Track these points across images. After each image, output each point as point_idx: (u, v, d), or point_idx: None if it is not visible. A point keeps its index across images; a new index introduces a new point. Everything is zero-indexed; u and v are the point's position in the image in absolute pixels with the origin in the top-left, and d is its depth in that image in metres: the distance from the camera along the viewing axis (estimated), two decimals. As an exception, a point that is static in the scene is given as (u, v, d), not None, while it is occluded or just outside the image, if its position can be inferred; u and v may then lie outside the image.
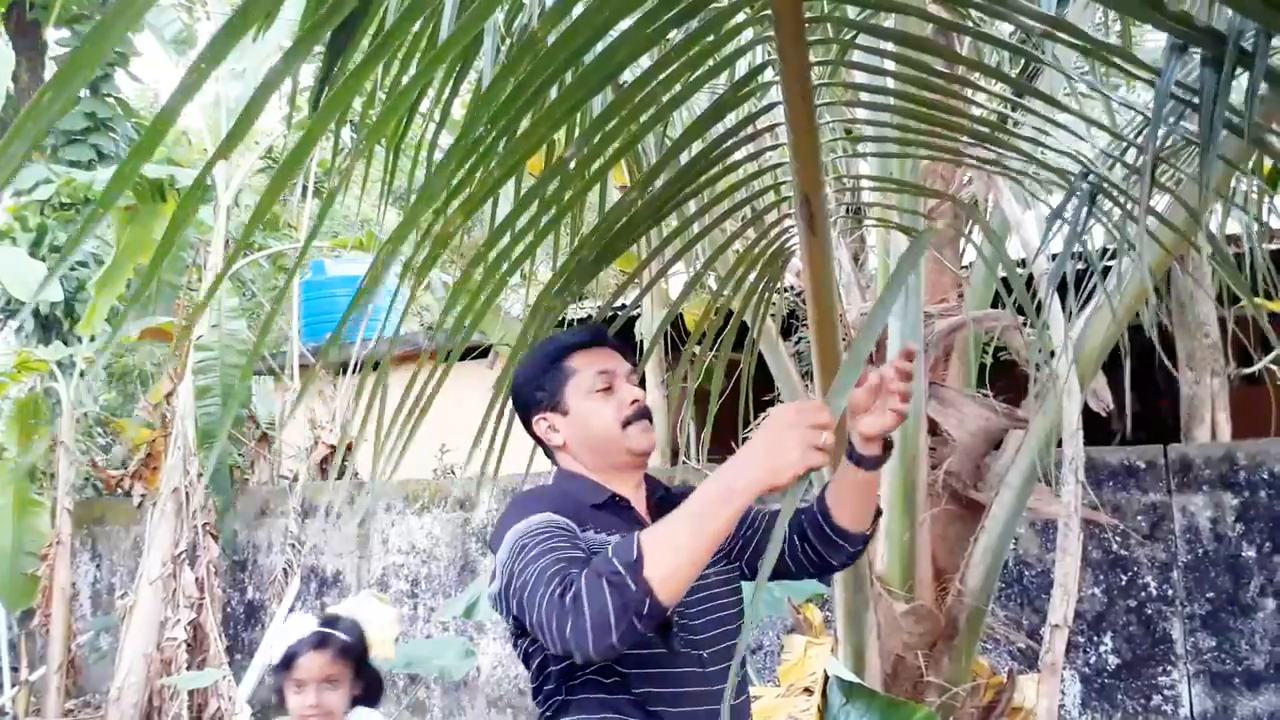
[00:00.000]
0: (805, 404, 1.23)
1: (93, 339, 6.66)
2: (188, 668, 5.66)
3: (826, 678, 2.14)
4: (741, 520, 1.63)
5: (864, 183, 2.27)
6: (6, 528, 6.70)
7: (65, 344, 7.36)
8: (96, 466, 7.49)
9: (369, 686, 2.20)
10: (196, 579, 5.81)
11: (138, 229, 6.48)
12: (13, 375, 6.78)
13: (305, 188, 8.33)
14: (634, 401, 1.57)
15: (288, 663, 2.09)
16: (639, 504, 1.58)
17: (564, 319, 2.20)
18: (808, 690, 2.15)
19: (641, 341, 5.80)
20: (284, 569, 6.16)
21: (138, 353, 8.42)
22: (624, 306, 2.14)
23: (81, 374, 6.65)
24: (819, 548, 1.57)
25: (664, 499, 1.61)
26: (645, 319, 5.74)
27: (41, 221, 8.28)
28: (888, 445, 1.46)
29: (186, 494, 5.90)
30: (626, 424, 1.55)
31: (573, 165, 1.78)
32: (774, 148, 1.87)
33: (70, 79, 0.97)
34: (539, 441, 1.65)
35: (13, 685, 6.80)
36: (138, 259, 6.47)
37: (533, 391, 1.60)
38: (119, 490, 7.01)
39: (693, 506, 1.23)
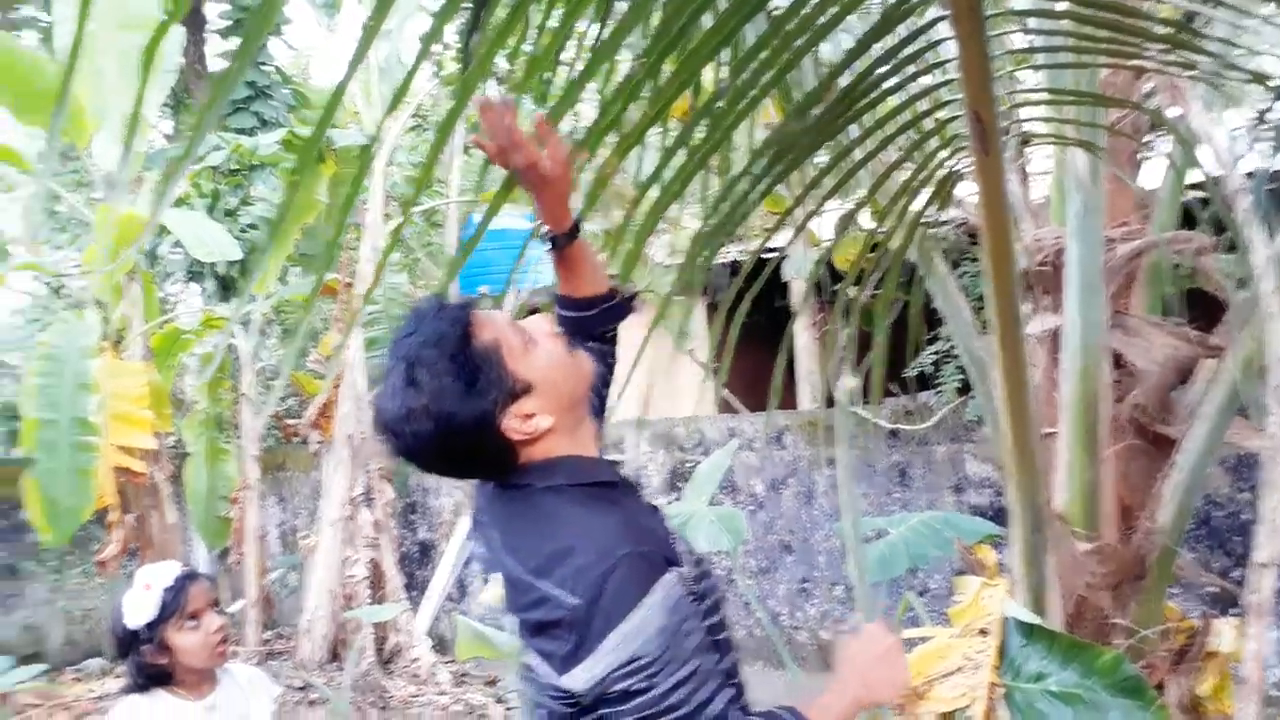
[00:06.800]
0: (886, 644, 1.31)
1: (267, 297, 7.06)
2: (369, 603, 6.02)
3: (1003, 619, 2.07)
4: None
5: (1033, 99, 2.13)
6: (201, 474, 7.26)
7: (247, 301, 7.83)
8: (277, 417, 7.98)
9: None
10: (374, 520, 6.15)
11: (300, 190, 6.78)
12: (198, 332, 7.28)
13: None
14: (551, 330, 1.32)
15: (174, 602, 1.98)
16: None
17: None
18: (983, 632, 2.08)
19: (787, 285, 5.70)
20: (453, 510, 6.44)
21: (306, 309, 8.86)
22: (770, 250, 2.09)
23: (261, 331, 7.08)
24: (596, 327, 1.51)
25: None
26: (789, 262, 5.64)
27: (214, 187, 8.78)
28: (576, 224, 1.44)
29: (360, 441, 6.22)
30: (569, 349, 1.31)
31: (722, 101, 1.74)
32: (938, 65, 1.77)
33: (252, 42, 1.01)
34: (503, 451, 1.24)
35: (215, 618, 7.40)
36: (303, 219, 6.78)
37: (476, 404, 1.19)
38: (296, 439, 7.45)
39: (836, 712, 1.25)
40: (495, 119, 1.33)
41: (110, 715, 2.00)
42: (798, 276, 4.89)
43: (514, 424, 1.21)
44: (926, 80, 1.77)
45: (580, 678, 1.12)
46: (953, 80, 1.73)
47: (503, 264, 7.76)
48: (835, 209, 2.83)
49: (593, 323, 1.51)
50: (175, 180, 1.17)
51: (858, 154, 1.89)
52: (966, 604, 2.30)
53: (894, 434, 4.80)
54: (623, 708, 1.11)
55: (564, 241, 1.44)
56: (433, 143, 1.22)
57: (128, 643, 1.98)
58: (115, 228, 5.80)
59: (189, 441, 7.37)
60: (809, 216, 1.98)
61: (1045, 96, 2.02)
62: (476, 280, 8.49)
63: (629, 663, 1.09)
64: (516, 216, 8.21)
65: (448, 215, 7.84)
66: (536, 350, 1.25)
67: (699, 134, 1.86)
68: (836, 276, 2.65)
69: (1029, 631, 1.95)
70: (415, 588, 6.73)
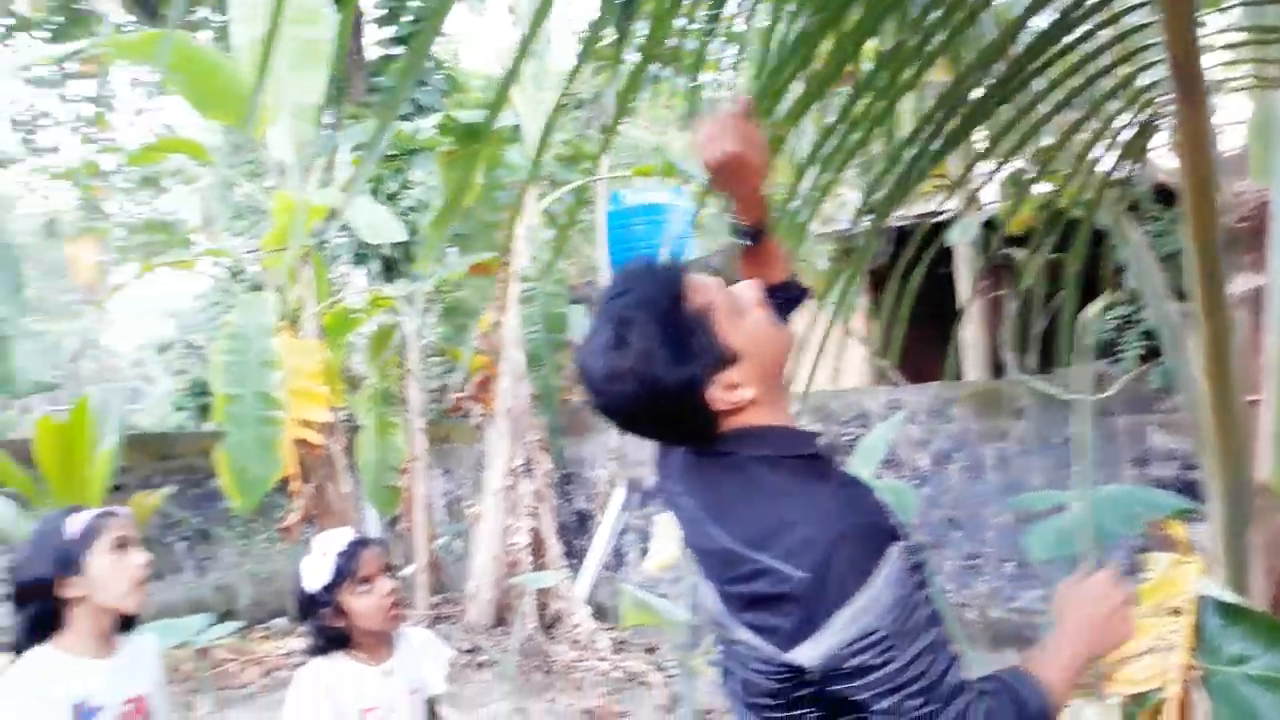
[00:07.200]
0: (1113, 593, 1.29)
1: (430, 276, 7.35)
2: (531, 570, 6.22)
3: (1199, 598, 1.96)
4: None
5: (1221, 42, 1.97)
6: (372, 446, 7.65)
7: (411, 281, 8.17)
8: (442, 391, 8.33)
9: None
10: (534, 490, 6.34)
11: (458, 173, 7.00)
12: (366, 311, 7.64)
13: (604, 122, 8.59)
14: (759, 298, 1.25)
15: (346, 566, 2.04)
16: None
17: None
18: (1176, 611, 1.98)
19: (949, 250, 5.51)
20: (609, 481, 6.56)
21: (465, 288, 9.18)
22: (933, 214, 2.03)
23: (425, 309, 7.38)
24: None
25: None
26: (954, 226, 5.45)
27: (377, 172, 9.16)
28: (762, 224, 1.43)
29: (520, 414, 6.41)
30: (774, 320, 1.25)
31: (886, 68, 1.69)
32: (1126, 12, 1.67)
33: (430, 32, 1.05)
34: (706, 419, 1.20)
35: (387, 582, 7.81)
36: (461, 201, 6.99)
37: (683, 370, 1.16)
38: (458, 412, 7.75)
39: (1067, 667, 1.23)
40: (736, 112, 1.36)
41: (297, 675, 2.07)
42: (963, 241, 4.71)
43: (719, 393, 1.18)
44: (1108, 32, 1.68)
45: (808, 653, 1.09)
46: (1143, 27, 1.63)
47: (651, 239, 7.82)
48: (996, 171, 2.72)
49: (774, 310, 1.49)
50: (366, 168, 1.23)
51: (1017, 119, 1.81)
52: (1156, 582, 2.19)
53: (1069, 405, 4.59)
54: (859, 683, 1.09)
55: (758, 235, 1.43)
56: (607, 128, 1.24)
57: (307, 606, 2.06)
58: (289, 213, 6.12)
59: (360, 415, 7.77)
60: (987, 180, 1.91)
61: (1245, 37, 1.88)
62: (625, 255, 8.58)
63: (863, 638, 1.06)
64: (664, 192, 8.25)
65: (597, 192, 7.94)
66: (745, 319, 1.21)
67: (850, 99, 1.82)
68: (1002, 241, 2.54)
69: (1229, 612, 1.83)
70: (573, 556, 6.90)
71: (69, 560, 1.84)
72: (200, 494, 7.81)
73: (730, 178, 1.36)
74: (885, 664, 1.07)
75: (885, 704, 1.08)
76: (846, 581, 1.06)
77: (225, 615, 6.65)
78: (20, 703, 1.77)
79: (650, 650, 6.06)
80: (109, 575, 1.87)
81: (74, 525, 1.88)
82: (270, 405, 5.77)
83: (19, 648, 1.86)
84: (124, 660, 1.93)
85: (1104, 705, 2.05)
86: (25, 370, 4.61)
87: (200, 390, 10.92)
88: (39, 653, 1.84)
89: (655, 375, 1.15)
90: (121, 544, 1.90)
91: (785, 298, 1.47)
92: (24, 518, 5.84)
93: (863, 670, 1.08)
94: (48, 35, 11.64)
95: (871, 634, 1.06)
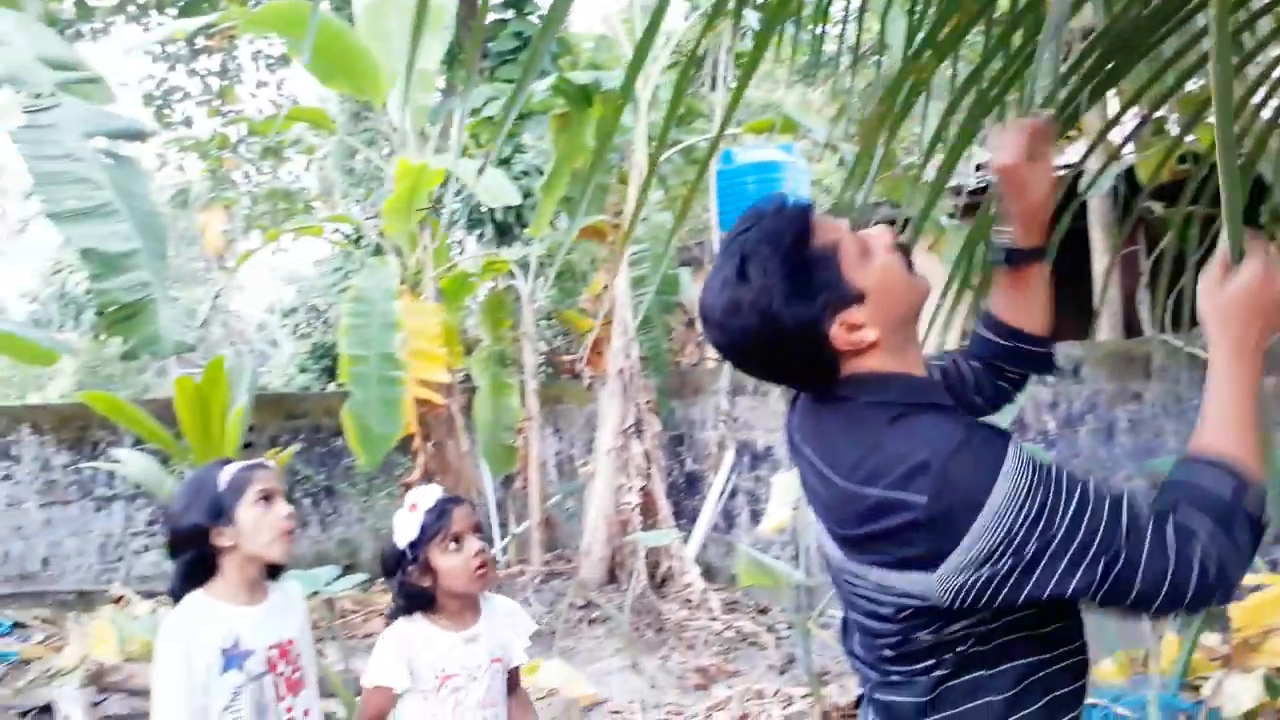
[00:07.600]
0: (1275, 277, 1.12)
1: (541, 240, 7.43)
2: (641, 529, 6.29)
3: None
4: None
5: None
6: (487, 406, 7.82)
7: (524, 245, 8.29)
8: (554, 353, 8.46)
9: None
10: (644, 451, 6.39)
11: (570, 135, 7.02)
12: (481, 275, 7.79)
13: (715, 79, 8.48)
14: (891, 243, 1.20)
15: (435, 524, 2.02)
16: None
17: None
18: (1334, 583, 1.88)
19: (1085, 203, 5.28)
20: (719, 443, 6.57)
21: (576, 251, 9.26)
22: (1065, 166, 1.93)
23: (537, 273, 7.48)
24: (1005, 360, 1.43)
25: None
26: (1088, 178, 5.22)
27: (491, 136, 9.28)
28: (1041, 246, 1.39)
29: (630, 375, 6.46)
30: (909, 267, 1.21)
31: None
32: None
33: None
34: (825, 360, 1.17)
35: (502, 538, 8.02)
36: (573, 163, 7.03)
37: (804, 307, 1.14)
38: (569, 374, 7.86)
39: (1241, 409, 1.11)
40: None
41: (380, 639, 2.07)
42: (1096, 194, 4.50)
43: (840, 332, 1.15)
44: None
45: (953, 571, 1.06)
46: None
47: (762, 197, 7.71)
48: (1145, 120, 2.58)
49: (1004, 354, 1.44)
50: (502, 134, 1.24)
51: (1170, 62, 1.71)
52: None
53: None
54: (1033, 579, 1.04)
55: (1025, 257, 1.39)
56: (733, 90, 1.22)
57: (395, 561, 2.05)
58: (409, 179, 6.24)
59: (476, 376, 7.95)
60: (1136, 130, 1.81)
61: None
62: (735, 213, 8.49)
63: (1010, 536, 1.03)
64: (775, 149, 8.11)
65: (710, 151, 7.88)
66: (874, 260, 1.18)
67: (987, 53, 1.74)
68: (1135, 190, 2.42)
69: (1396, 584, 1.73)
70: (682, 516, 6.96)
71: (220, 510, 1.94)
72: (325, 452, 8.12)
73: (1011, 190, 1.34)
74: (1046, 546, 1.03)
75: (1075, 583, 1.04)
76: (971, 491, 1.04)
77: (348, 569, 6.88)
78: (178, 647, 1.88)
79: (762, 611, 6.08)
80: (255, 525, 1.96)
81: (225, 477, 1.97)
82: (393, 366, 5.93)
83: (176, 594, 1.97)
84: (272, 606, 2.02)
85: (1249, 678, 1.97)
86: (168, 332, 4.87)
87: (322, 353, 11.33)
88: (194, 598, 1.95)
89: (775, 310, 1.14)
90: (266, 495, 1.99)
91: (1027, 350, 1.43)
92: (165, 473, 6.19)
93: (1028, 567, 1.04)
94: (175, 12, 12.11)
95: (1018, 530, 1.03)
